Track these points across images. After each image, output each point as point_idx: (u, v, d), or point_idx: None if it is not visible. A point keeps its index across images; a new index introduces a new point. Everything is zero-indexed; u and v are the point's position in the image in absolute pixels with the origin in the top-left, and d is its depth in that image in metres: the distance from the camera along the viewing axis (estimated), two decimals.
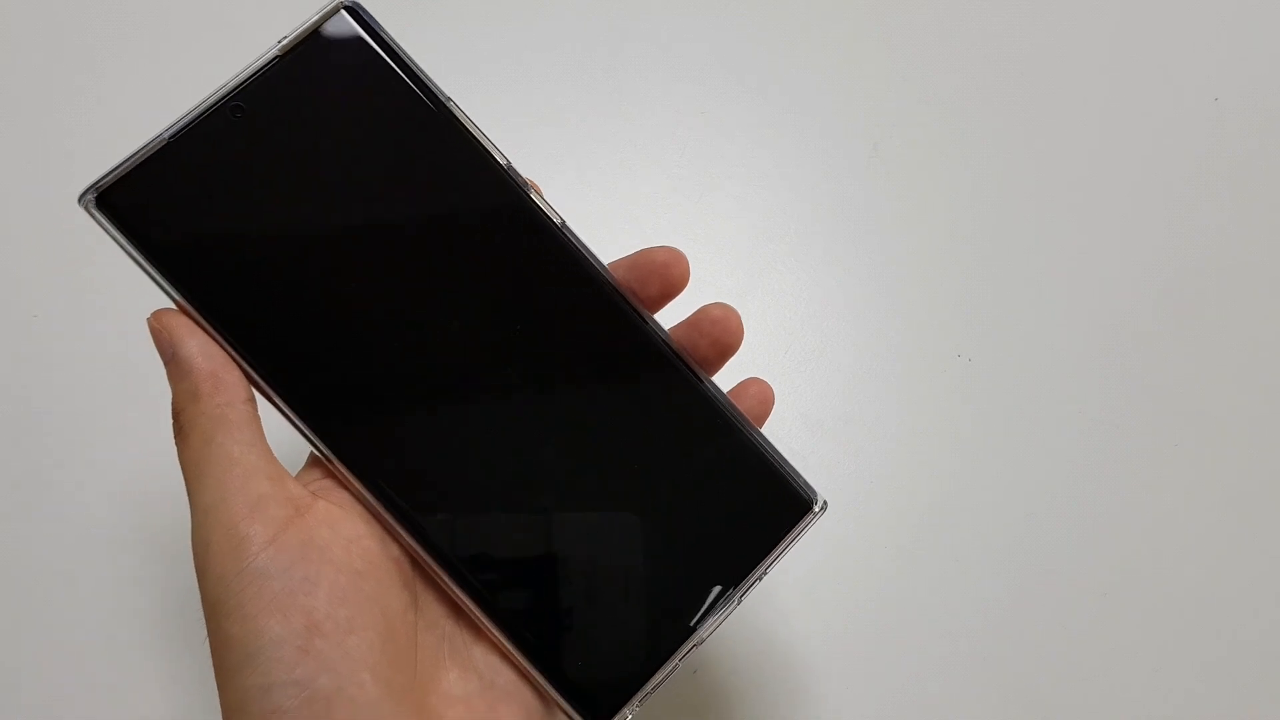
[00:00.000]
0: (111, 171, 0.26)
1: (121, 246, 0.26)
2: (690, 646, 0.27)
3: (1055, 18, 0.46)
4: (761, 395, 0.29)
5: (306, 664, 0.23)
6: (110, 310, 0.40)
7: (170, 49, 0.44)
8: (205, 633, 0.24)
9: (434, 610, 0.27)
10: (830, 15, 0.46)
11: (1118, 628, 0.37)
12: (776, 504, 0.28)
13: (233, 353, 0.26)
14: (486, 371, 0.27)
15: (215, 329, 0.26)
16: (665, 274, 0.28)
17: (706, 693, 0.36)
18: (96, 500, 0.38)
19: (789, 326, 0.41)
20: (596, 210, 0.41)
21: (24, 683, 0.36)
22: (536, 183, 0.28)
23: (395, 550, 0.26)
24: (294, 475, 0.26)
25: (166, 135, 0.26)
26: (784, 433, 0.39)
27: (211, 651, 0.24)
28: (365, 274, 0.27)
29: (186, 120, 0.26)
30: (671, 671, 0.26)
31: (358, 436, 0.26)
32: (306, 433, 0.26)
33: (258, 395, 0.26)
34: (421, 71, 0.27)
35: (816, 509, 0.28)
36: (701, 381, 0.28)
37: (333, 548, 0.25)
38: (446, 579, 0.26)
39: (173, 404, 0.25)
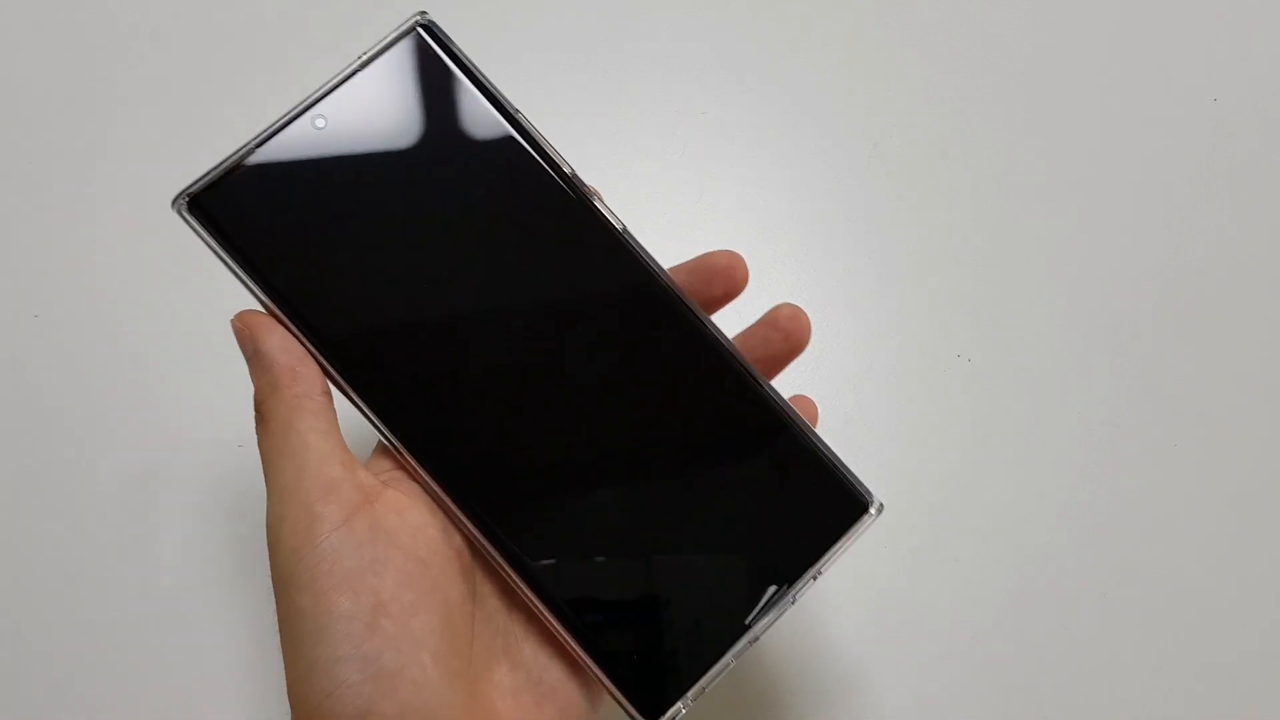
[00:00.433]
0: (201, 178, 0.27)
1: (210, 247, 0.27)
2: (745, 644, 0.27)
3: (1055, 18, 0.46)
4: (809, 412, 0.30)
5: (373, 641, 0.24)
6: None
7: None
8: (273, 614, 0.25)
9: (490, 604, 0.28)
10: (830, 15, 0.46)
11: (1118, 628, 0.37)
12: (834, 505, 0.28)
13: (311, 349, 0.27)
14: (553, 370, 0.28)
15: (295, 326, 0.27)
16: (729, 275, 0.30)
17: (706, 692, 0.36)
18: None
19: None
20: None
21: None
22: (598, 189, 0.29)
23: (457, 541, 0.27)
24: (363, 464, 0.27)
25: (252, 144, 0.27)
26: None
27: (280, 624, 0.25)
28: (437, 275, 0.28)
29: (270, 129, 0.27)
30: (725, 669, 0.27)
31: (428, 430, 0.27)
32: (378, 424, 0.27)
33: (333, 390, 0.27)
34: (491, 84, 0.29)
35: (873, 510, 0.28)
36: (761, 385, 0.29)
37: (399, 534, 0.26)
38: (507, 568, 0.27)
39: (254, 396, 0.27)
